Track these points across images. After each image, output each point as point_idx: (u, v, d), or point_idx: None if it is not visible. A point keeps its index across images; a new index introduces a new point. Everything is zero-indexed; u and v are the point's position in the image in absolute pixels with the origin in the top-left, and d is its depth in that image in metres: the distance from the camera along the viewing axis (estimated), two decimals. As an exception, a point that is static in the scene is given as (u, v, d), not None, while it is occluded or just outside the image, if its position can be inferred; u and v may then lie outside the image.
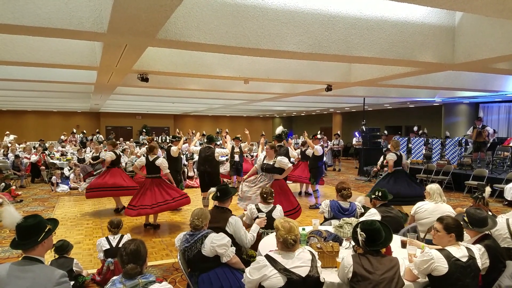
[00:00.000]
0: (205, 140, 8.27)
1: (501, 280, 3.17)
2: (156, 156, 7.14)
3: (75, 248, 5.67)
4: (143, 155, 7.47)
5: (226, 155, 7.50)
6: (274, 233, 2.94)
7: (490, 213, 4.26)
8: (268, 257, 2.78)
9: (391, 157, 7.74)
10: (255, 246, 4.33)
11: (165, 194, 6.88)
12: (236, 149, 10.83)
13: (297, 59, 7.19)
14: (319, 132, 18.05)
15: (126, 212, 6.88)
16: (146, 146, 7.79)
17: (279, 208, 4.86)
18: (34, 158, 13.20)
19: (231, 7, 4.69)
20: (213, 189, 7.24)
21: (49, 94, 14.07)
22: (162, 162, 7.10)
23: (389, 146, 8.21)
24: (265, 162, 6.49)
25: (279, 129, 9.21)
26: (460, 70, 7.60)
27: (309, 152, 9.86)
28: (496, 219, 3.63)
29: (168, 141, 17.53)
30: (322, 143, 16.89)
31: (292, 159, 10.43)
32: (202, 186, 7.84)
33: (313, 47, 5.24)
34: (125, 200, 8.25)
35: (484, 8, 3.79)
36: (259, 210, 4.79)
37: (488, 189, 4.84)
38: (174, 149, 8.71)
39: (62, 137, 18.68)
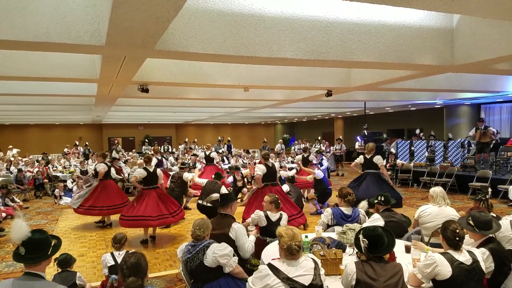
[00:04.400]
0: (213, 176, 7.96)
1: (506, 283, 3.13)
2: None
3: (79, 260, 5.66)
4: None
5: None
6: (277, 241, 2.92)
7: (493, 215, 4.22)
8: (270, 266, 2.76)
9: (358, 159, 7.94)
10: (258, 255, 4.31)
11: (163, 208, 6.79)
12: (238, 177, 10.97)
13: (296, 66, 7.20)
14: (316, 149, 17.61)
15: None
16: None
17: (285, 216, 4.84)
18: (36, 171, 13.23)
19: (229, 16, 4.71)
20: (215, 195, 7.22)
21: (51, 108, 14.16)
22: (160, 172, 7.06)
23: (392, 149, 8.25)
24: None
25: (278, 147, 9.28)
26: (460, 72, 7.60)
27: (312, 157, 9.85)
28: (499, 222, 3.59)
29: (169, 151, 17.54)
30: (320, 146, 16.84)
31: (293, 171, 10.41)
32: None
33: (311, 54, 5.25)
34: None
35: (480, 10, 3.79)
36: (268, 219, 4.73)
37: (488, 190, 4.79)
38: (188, 176, 8.72)
39: (65, 150, 18.71)
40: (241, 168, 11.60)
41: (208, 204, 6.75)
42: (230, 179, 10.59)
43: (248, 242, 3.97)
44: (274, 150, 17.94)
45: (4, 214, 8.62)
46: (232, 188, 10.09)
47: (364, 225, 4.26)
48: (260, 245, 4.38)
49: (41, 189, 13.00)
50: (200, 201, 7.03)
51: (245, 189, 10.76)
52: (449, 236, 2.99)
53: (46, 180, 13.27)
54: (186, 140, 22.11)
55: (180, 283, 5.00)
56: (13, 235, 2.55)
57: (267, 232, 4.68)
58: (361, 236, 2.87)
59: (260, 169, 6.71)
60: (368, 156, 7.80)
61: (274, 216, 4.75)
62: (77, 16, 4.21)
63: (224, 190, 6.99)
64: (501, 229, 3.65)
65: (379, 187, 7.46)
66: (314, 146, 18.34)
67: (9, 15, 4.00)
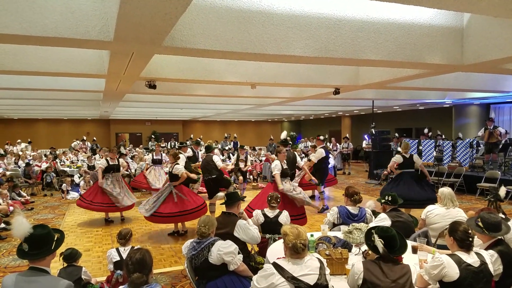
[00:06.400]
0: (203, 150, 8.35)
1: (515, 286, 3.09)
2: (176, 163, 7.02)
3: (85, 255, 5.69)
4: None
5: (225, 168, 7.64)
6: (282, 240, 2.91)
7: (503, 216, 4.17)
8: (275, 265, 2.75)
9: (395, 159, 7.69)
10: (261, 253, 4.31)
11: (182, 205, 6.75)
12: (242, 157, 11.03)
13: (304, 63, 7.15)
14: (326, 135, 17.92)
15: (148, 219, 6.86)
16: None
17: (285, 213, 4.95)
18: (44, 165, 13.33)
19: (237, 12, 4.68)
20: (221, 194, 7.35)
21: (60, 102, 14.23)
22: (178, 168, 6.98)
23: (399, 148, 8.15)
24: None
25: (284, 134, 9.15)
26: (470, 71, 7.51)
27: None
28: (508, 223, 3.54)
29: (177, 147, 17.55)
30: (327, 145, 16.77)
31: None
32: (209, 193, 7.85)
33: (319, 51, 5.22)
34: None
35: (491, 9, 3.73)
36: (265, 216, 4.83)
37: (503, 189, 4.71)
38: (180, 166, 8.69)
39: (73, 144, 18.82)
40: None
41: (210, 177, 7.56)
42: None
43: (253, 231, 4.03)
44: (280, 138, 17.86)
45: (12, 208, 8.68)
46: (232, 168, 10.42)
47: (371, 224, 4.23)
48: (261, 243, 4.42)
49: (52, 186, 12.86)
50: (205, 178, 7.79)
51: (241, 178, 10.81)
52: (462, 237, 2.94)
53: (54, 175, 13.34)
54: (191, 136, 22.15)
55: (185, 279, 5.01)
56: (15, 232, 2.58)
57: (265, 229, 4.83)
58: (376, 236, 2.84)
59: (277, 168, 6.65)
60: (407, 156, 7.69)
61: (271, 213, 4.89)
62: (86, 12, 4.21)
63: (216, 159, 7.72)
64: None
65: (421, 186, 7.42)
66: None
67: (18, 10, 4.02)
